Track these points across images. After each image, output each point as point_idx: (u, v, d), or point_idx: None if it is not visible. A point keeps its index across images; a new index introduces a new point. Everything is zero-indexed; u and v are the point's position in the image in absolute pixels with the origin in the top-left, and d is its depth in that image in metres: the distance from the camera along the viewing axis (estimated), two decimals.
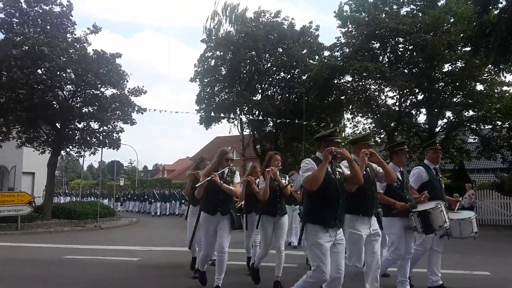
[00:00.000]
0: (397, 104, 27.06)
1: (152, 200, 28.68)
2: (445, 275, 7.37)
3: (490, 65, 22.59)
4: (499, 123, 25.54)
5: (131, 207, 32.67)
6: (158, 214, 27.37)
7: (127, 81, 18.53)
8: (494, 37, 17.81)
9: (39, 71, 16.63)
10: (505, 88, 25.26)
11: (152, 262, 8.85)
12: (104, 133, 18.61)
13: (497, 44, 17.76)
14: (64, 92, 17.98)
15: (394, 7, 27.77)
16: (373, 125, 29.42)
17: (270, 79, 32.23)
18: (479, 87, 24.96)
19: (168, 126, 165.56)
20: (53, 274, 7.48)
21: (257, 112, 31.46)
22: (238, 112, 32.67)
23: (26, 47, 16.39)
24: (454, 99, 25.80)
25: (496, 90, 25.04)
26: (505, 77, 24.98)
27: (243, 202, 6.96)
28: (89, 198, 35.02)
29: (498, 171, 29.05)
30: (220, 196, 5.67)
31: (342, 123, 31.47)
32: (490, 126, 26.19)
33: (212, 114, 30.93)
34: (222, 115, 30.81)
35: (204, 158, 7.36)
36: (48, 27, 17.55)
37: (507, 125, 25.26)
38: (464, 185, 21.10)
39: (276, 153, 6.43)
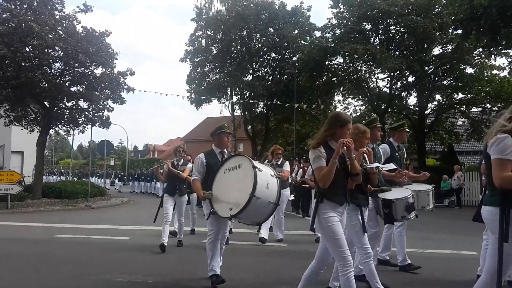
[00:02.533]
0: (388, 86, 27.12)
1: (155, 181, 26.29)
2: (432, 255, 7.56)
3: (480, 49, 22.64)
4: (488, 106, 25.75)
5: (136, 188, 31.25)
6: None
7: (116, 59, 18.35)
8: (485, 20, 17.81)
9: (27, 48, 16.35)
10: (494, 71, 25.39)
11: (143, 241, 8.92)
12: (93, 112, 18.47)
13: (488, 28, 17.77)
14: (53, 71, 17.74)
15: None
16: (364, 107, 29.51)
17: (261, 59, 32.04)
18: (469, 70, 25.10)
19: (158, 106, 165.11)
20: (44, 253, 7.50)
21: (248, 93, 31.35)
22: (229, 93, 32.55)
23: (13, 24, 16.08)
24: (444, 82, 25.91)
25: (486, 73, 25.16)
26: (495, 61, 25.15)
27: None
28: (91, 178, 33.10)
29: None
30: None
31: (333, 104, 31.53)
32: (479, 109, 26.40)
33: (202, 96, 30.78)
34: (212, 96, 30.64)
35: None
36: (35, 3, 17.19)
37: (496, 108, 25.46)
38: (453, 167, 21.39)
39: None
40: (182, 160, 8.12)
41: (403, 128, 6.30)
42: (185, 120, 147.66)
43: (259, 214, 4.56)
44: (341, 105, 30.67)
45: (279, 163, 8.46)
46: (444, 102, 27.15)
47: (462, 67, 24.70)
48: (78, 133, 19.92)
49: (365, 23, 24.98)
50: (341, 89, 28.48)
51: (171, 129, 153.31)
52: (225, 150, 5.57)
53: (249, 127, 33.48)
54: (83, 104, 18.55)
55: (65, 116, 18.54)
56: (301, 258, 6.86)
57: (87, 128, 19.29)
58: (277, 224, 8.78)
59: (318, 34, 28.88)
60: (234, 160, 4.88)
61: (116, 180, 36.21)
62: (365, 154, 4.26)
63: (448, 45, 24.69)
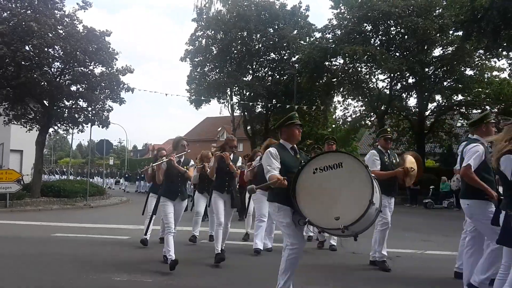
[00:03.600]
0: (388, 87, 27.12)
1: None
2: (432, 256, 7.56)
3: (481, 50, 22.63)
4: (488, 107, 25.75)
5: (141, 187, 30.37)
6: None
7: (116, 59, 18.29)
8: (486, 22, 17.81)
9: (26, 47, 16.28)
10: (495, 73, 25.41)
11: None
12: (93, 111, 18.42)
13: (490, 30, 17.77)
14: (52, 70, 17.69)
15: None
16: (363, 108, 29.51)
17: (261, 60, 32.03)
18: (469, 72, 25.09)
19: (158, 106, 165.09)
20: (42, 252, 7.45)
21: (247, 93, 31.34)
22: (229, 93, 32.54)
23: (13, 23, 16.02)
24: (444, 83, 25.92)
25: (486, 75, 25.17)
26: (495, 63, 25.15)
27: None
28: (95, 177, 33.68)
29: None
30: None
31: (333, 105, 31.53)
32: (479, 111, 26.40)
33: (202, 96, 30.79)
34: (212, 97, 30.60)
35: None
36: (36, 2, 17.14)
37: (496, 110, 25.46)
38: (452, 168, 21.36)
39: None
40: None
41: (489, 120, 4.86)
42: (184, 120, 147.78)
43: (366, 223, 3.79)
44: (341, 106, 30.73)
45: None
46: (444, 103, 27.16)
47: (462, 69, 24.71)
48: (77, 132, 19.89)
49: (365, 24, 24.98)
50: (341, 90, 28.46)
51: (170, 129, 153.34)
52: (295, 146, 4.49)
53: (249, 127, 33.44)
54: (82, 103, 18.51)
55: (65, 115, 18.50)
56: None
57: (86, 127, 19.24)
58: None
59: (318, 35, 28.90)
60: (330, 157, 3.93)
61: (121, 180, 36.05)
62: None
63: (449, 46, 24.70)
